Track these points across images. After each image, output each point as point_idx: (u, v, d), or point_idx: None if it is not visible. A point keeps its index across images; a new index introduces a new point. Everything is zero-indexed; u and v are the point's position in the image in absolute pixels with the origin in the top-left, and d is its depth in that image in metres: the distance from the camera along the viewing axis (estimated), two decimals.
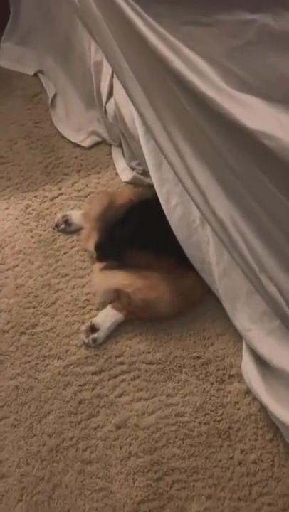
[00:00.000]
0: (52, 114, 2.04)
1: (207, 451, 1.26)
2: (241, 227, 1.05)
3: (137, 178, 1.79)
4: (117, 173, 1.87)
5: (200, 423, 1.31)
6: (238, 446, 1.27)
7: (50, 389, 1.36)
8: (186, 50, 0.99)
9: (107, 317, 1.44)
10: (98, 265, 1.49)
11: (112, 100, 1.70)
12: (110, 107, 1.72)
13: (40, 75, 2.20)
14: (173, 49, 1.02)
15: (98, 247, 1.51)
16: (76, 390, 1.35)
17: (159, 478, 1.23)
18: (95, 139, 1.95)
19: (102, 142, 1.96)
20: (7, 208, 1.74)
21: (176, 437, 1.29)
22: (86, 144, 1.94)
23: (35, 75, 2.21)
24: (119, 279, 1.42)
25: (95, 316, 1.49)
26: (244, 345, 1.37)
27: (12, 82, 2.21)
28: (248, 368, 1.31)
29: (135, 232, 1.45)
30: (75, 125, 2.00)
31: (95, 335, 1.42)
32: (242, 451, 1.26)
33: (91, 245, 1.55)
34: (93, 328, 1.43)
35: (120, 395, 1.35)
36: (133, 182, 1.82)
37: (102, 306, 1.50)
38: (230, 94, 0.90)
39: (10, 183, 1.82)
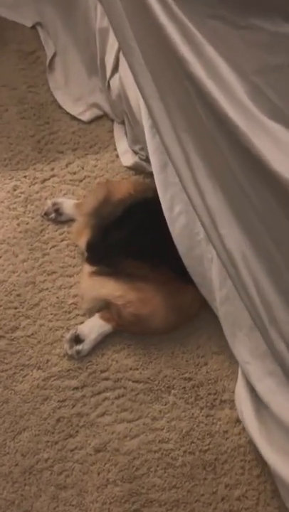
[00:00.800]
0: (49, 78, 1.81)
1: (190, 483, 1.19)
2: (253, 267, 0.91)
3: (139, 165, 1.61)
4: (117, 155, 1.68)
5: (185, 452, 1.23)
6: (223, 480, 1.20)
7: (27, 403, 1.26)
8: (210, 51, 0.80)
9: (94, 328, 1.32)
10: (88, 268, 1.35)
11: (117, 76, 1.48)
12: (114, 83, 1.50)
13: (38, 29, 1.93)
14: (193, 46, 0.82)
15: (90, 247, 1.36)
16: (55, 406, 1.26)
17: (137, 510, 1.16)
18: (95, 112, 1.74)
19: (103, 116, 1.75)
20: None
21: (158, 466, 1.21)
22: (85, 117, 1.73)
23: (34, 27, 1.95)
24: (110, 289, 1.28)
25: (81, 322, 1.37)
26: (240, 372, 1.26)
27: (6, 34, 1.94)
28: (242, 398, 1.21)
29: (131, 239, 1.30)
30: (74, 94, 1.78)
31: (79, 347, 1.30)
32: (226, 486, 1.19)
33: (82, 243, 1.40)
34: (78, 339, 1.31)
35: (102, 415, 1.26)
36: (135, 168, 1.64)
37: (90, 312, 1.38)
38: (259, 121, 0.72)
39: None
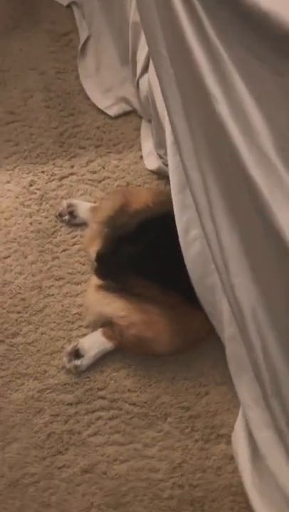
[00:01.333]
0: (79, 64, 1.71)
1: None
2: (263, 328, 0.83)
3: (162, 170, 1.51)
4: (141, 157, 1.58)
5: (174, 484, 1.19)
6: None
7: (20, 413, 1.24)
8: (242, 91, 0.69)
9: (95, 344, 1.28)
10: (96, 281, 1.29)
11: (146, 77, 1.37)
12: (144, 83, 1.40)
13: (74, 8, 1.82)
14: (223, 80, 0.72)
15: (100, 259, 1.30)
16: (47, 420, 1.23)
17: None
18: (123, 107, 1.64)
19: (131, 113, 1.65)
20: (8, 182, 1.51)
21: (144, 495, 1.18)
22: (112, 112, 1.63)
23: (69, 7, 1.83)
24: (115, 308, 1.23)
25: (84, 334, 1.33)
26: (241, 410, 1.20)
27: (40, 11, 1.83)
28: (240, 439, 1.15)
29: (143, 257, 1.23)
30: (104, 84, 1.67)
31: (78, 362, 1.26)
32: None
33: (93, 252, 1.34)
34: (77, 354, 1.27)
35: (94, 434, 1.23)
36: (158, 172, 1.55)
37: (93, 325, 1.33)
38: (286, 186, 0.63)
39: (17, 149, 1.56)
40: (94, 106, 1.65)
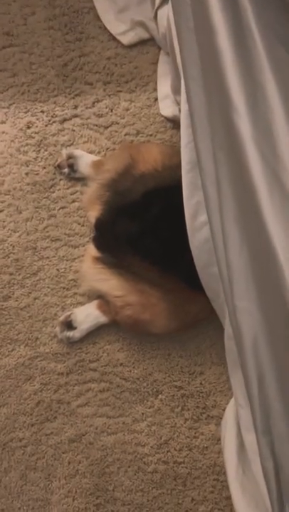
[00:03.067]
0: None
1: (157, 491, 1.19)
2: (263, 360, 0.74)
3: (178, 118, 1.30)
4: (156, 99, 1.37)
5: (159, 460, 1.20)
6: (190, 494, 1.19)
7: (10, 379, 1.23)
8: (274, 100, 0.52)
9: (89, 317, 1.21)
10: (93, 251, 1.19)
11: (166, 8, 1.12)
12: (162, 16, 1.14)
13: None
14: (251, 80, 0.55)
15: (98, 227, 1.18)
16: (37, 388, 1.22)
17: (100, 504, 1.18)
18: (139, 34, 1.38)
19: (148, 41, 1.40)
20: (3, 122, 1.34)
21: (129, 467, 1.20)
22: (126, 40, 1.38)
23: None
24: (111, 286, 1.14)
25: (79, 303, 1.26)
26: (233, 399, 1.16)
27: None
28: (227, 429, 1.13)
29: (144, 234, 1.10)
30: (119, 1, 1.40)
31: (70, 333, 1.21)
32: (192, 500, 1.19)
33: (92, 216, 1.22)
34: (70, 325, 1.21)
35: (83, 405, 1.22)
36: (173, 120, 1.35)
37: (89, 294, 1.25)
38: None
39: (14, 82, 1.36)
40: (105, 29, 1.40)
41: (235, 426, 1.12)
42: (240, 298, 0.76)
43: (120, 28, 1.38)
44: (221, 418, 1.21)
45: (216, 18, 0.55)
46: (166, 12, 1.11)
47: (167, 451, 1.20)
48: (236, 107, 0.53)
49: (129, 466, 1.20)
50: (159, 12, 1.17)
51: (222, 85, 0.56)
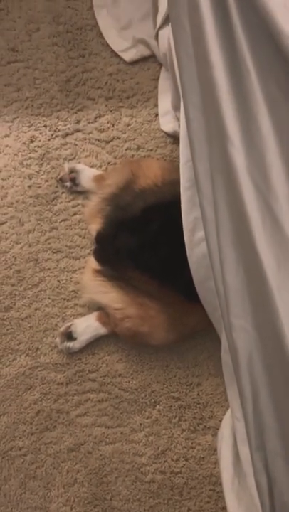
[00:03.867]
0: None
1: (154, 500, 1.21)
2: (257, 377, 0.76)
3: (178, 134, 1.34)
4: (156, 115, 1.40)
5: (156, 470, 1.22)
6: (187, 504, 1.21)
7: (10, 388, 1.25)
8: (269, 134, 0.55)
9: (89, 328, 1.24)
10: (94, 263, 1.21)
11: (167, 29, 1.15)
12: (164, 36, 1.18)
13: None
14: (247, 114, 0.57)
15: (99, 240, 1.21)
16: (37, 397, 1.24)
17: None
18: (141, 51, 1.41)
19: (149, 58, 1.43)
20: (7, 136, 1.37)
21: (126, 477, 1.22)
22: (128, 57, 1.41)
23: None
24: (111, 299, 1.16)
25: (79, 314, 1.28)
26: (230, 410, 1.18)
27: None
28: (224, 440, 1.15)
29: (144, 248, 1.13)
30: (121, 18, 1.43)
31: (70, 344, 1.24)
32: (189, 510, 1.20)
33: (93, 229, 1.25)
34: (70, 336, 1.24)
35: (82, 415, 1.24)
36: (173, 135, 1.38)
37: (89, 305, 1.28)
38: None
39: (18, 97, 1.39)
40: (108, 46, 1.43)
41: (231, 437, 1.14)
42: (236, 316, 0.79)
43: (122, 45, 1.42)
44: (218, 429, 1.23)
45: (213, 52, 0.58)
46: (167, 33, 1.15)
47: (164, 461, 1.22)
48: (231, 138, 0.56)
49: (126, 476, 1.22)
50: (161, 32, 1.21)
51: (218, 116, 0.58)
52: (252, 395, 0.78)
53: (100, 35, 1.43)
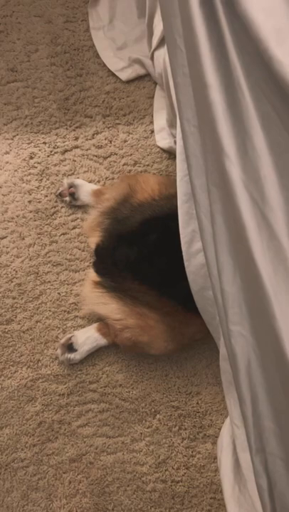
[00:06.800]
0: (90, 13, 1.51)
1: (155, 509, 1.22)
2: (256, 382, 0.79)
3: (173, 150, 1.39)
4: (152, 131, 1.45)
5: (157, 479, 1.24)
6: None
7: (12, 400, 1.26)
8: (262, 147, 0.59)
9: (89, 340, 1.26)
10: (93, 275, 1.24)
11: (162, 51, 1.20)
12: (159, 57, 1.23)
13: None
14: (241, 128, 0.61)
15: (99, 252, 1.24)
16: (39, 409, 1.26)
17: None
18: (136, 71, 1.47)
19: (145, 77, 1.48)
20: (7, 153, 1.41)
21: (128, 486, 1.23)
22: (124, 76, 1.47)
23: None
24: (111, 310, 1.19)
25: (79, 326, 1.31)
26: (228, 419, 1.20)
27: None
28: (224, 447, 1.17)
29: (142, 260, 1.16)
30: (117, 38, 1.49)
31: (71, 355, 1.26)
32: None
33: (92, 243, 1.28)
34: (71, 347, 1.26)
35: (83, 426, 1.26)
36: (168, 151, 1.42)
37: (89, 316, 1.30)
38: None
39: (18, 115, 1.43)
40: (104, 66, 1.48)
41: (231, 445, 1.16)
42: (235, 323, 0.82)
43: (118, 64, 1.47)
44: (217, 437, 1.25)
45: (209, 74, 0.62)
46: (163, 54, 1.20)
47: (165, 470, 1.24)
48: (228, 153, 0.60)
49: (128, 485, 1.23)
50: (156, 53, 1.26)
51: (214, 132, 0.62)
52: (251, 398, 0.80)
53: (97, 55, 1.49)
